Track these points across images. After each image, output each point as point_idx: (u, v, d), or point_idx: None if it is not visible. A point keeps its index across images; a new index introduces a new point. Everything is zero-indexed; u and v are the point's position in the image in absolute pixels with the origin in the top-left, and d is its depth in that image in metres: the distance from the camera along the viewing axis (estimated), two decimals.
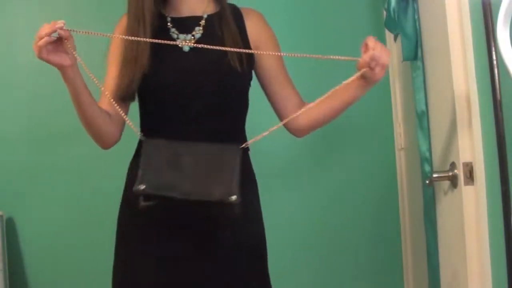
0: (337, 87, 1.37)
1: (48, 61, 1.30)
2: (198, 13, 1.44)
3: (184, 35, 1.41)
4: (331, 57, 1.35)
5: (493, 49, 1.17)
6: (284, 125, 1.44)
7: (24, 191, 2.38)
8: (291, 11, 2.41)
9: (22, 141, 2.39)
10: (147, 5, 1.37)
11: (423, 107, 1.72)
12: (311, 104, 1.40)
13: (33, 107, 2.41)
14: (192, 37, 1.41)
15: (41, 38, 1.23)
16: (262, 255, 1.48)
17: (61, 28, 1.24)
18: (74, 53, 1.31)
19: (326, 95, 1.38)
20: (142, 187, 1.28)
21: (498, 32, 0.90)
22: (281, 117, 1.50)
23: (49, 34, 1.23)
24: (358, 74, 1.34)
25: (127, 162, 1.56)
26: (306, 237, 2.38)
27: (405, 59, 1.80)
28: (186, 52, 1.40)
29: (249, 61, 1.43)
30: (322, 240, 2.41)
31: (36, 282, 2.37)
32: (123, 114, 1.36)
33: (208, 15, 1.45)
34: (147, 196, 1.28)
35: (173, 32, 1.42)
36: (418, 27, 1.73)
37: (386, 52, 1.27)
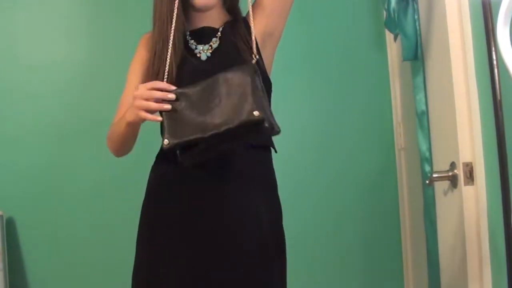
0: None
1: (146, 119, 1.35)
2: (214, 24, 1.53)
3: (202, 46, 1.50)
4: None
5: (493, 49, 1.17)
6: None
7: (24, 191, 2.38)
8: (291, 11, 2.41)
9: (22, 141, 2.39)
10: (176, 26, 1.44)
11: (423, 107, 1.72)
12: None
13: (33, 107, 2.41)
14: (210, 47, 1.50)
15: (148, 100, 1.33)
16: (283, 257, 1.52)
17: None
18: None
19: None
20: (166, 142, 1.28)
21: (498, 32, 0.90)
22: None
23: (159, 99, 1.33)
24: None
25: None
26: (305, 237, 2.38)
27: (405, 59, 1.80)
28: (204, 61, 1.49)
29: (261, 57, 1.51)
30: (322, 239, 2.41)
31: (36, 282, 2.37)
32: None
33: (223, 26, 1.54)
34: (183, 149, 1.29)
35: (192, 43, 1.51)
36: (418, 27, 1.73)
37: None
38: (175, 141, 1.28)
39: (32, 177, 2.38)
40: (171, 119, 1.30)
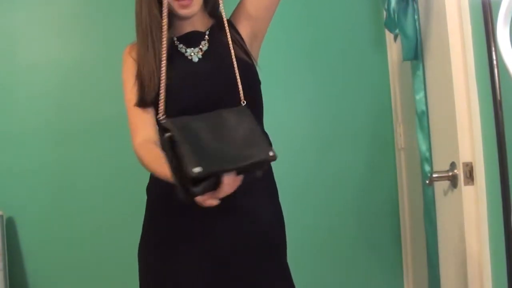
0: None
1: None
2: (199, 28, 1.54)
3: (192, 49, 1.51)
4: None
5: (493, 49, 1.17)
6: None
7: (24, 191, 2.38)
8: (291, 11, 2.42)
9: (22, 141, 2.39)
10: (155, 30, 1.45)
11: (423, 107, 1.72)
12: None
13: (33, 107, 2.41)
14: (200, 50, 1.51)
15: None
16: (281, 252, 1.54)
17: None
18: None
19: None
20: (198, 170, 1.10)
21: (498, 32, 0.90)
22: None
23: None
24: None
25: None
26: (305, 237, 2.38)
27: (405, 59, 1.79)
28: (196, 62, 1.50)
29: (252, 54, 1.54)
30: (322, 239, 2.41)
31: (36, 282, 2.37)
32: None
33: (210, 30, 1.55)
34: (196, 180, 1.12)
35: (181, 47, 1.52)
36: (418, 27, 1.73)
37: None
38: (210, 169, 1.13)
39: (32, 177, 2.38)
40: (195, 143, 1.16)
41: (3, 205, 2.31)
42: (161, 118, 1.29)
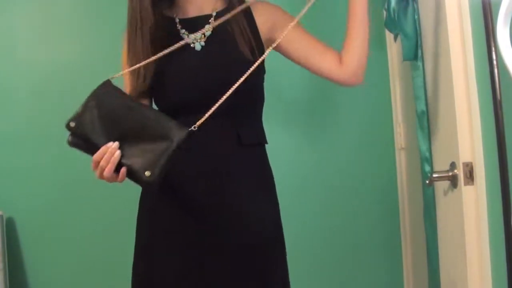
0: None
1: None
2: (206, 11, 1.45)
3: (194, 34, 1.41)
4: None
5: (493, 49, 1.17)
6: (337, 79, 1.53)
7: (24, 191, 2.38)
8: (291, 11, 2.41)
9: (22, 141, 2.39)
10: (144, 10, 1.36)
11: (423, 107, 1.72)
12: (347, 43, 1.56)
13: (33, 107, 2.41)
14: (203, 36, 1.41)
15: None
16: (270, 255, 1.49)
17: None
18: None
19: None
20: (72, 124, 1.43)
21: (498, 32, 0.90)
22: (327, 76, 1.54)
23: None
24: None
25: None
26: (305, 237, 2.38)
27: (405, 59, 1.79)
28: (199, 51, 1.40)
29: (260, 52, 1.43)
30: (322, 240, 2.41)
31: (36, 282, 2.37)
32: None
33: (217, 13, 1.44)
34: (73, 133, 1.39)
35: (183, 33, 1.42)
36: (418, 27, 1.73)
37: None
38: (81, 130, 1.45)
39: (32, 177, 2.38)
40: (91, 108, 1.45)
41: (3, 205, 2.31)
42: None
